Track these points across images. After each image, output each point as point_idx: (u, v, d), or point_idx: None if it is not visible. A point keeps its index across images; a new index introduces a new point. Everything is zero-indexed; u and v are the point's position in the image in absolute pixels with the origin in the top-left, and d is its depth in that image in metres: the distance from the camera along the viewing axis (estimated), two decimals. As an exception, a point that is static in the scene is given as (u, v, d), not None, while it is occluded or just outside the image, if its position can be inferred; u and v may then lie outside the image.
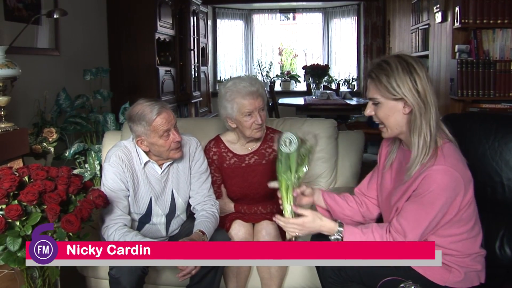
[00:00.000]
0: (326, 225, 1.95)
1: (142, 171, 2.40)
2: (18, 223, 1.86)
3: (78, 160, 3.92)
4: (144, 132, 2.30)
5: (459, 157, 1.92)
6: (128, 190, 2.36)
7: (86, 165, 3.89)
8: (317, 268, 2.14)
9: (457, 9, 4.37)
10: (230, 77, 9.36)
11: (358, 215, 2.20)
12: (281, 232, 2.49)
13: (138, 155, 2.40)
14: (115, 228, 2.26)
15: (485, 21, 4.27)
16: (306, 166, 2.01)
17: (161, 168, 2.43)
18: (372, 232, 1.92)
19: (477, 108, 4.33)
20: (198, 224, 2.39)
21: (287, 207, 2.00)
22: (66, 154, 3.86)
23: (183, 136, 2.48)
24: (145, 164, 2.40)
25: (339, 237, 1.92)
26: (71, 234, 1.90)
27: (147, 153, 2.39)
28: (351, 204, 2.20)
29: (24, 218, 1.87)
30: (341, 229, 1.93)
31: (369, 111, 1.97)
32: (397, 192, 1.99)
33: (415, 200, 1.88)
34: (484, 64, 4.29)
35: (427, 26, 5.66)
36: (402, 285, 1.69)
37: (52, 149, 3.65)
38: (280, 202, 2.03)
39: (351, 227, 1.94)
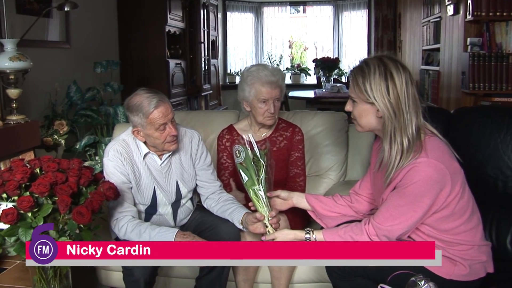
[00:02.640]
0: (298, 235, 2.05)
1: (143, 163, 2.40)
2: (29, 214, 1.88)
3: (88, 153, 3.94)
4: (140, 123, 2.30)
5: (444, 150, 1.92)
6: (130, 182, 2.37)
7: (97, 158, 3.91)
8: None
9: (469, 1, 4.33)
10: (241, 69, 9.37)
11: (350, 211, 2.23)
12: (291, 225, 2.49)
13: (137, 147, 2.40)
14: (126, 220, 2.27)
15: (498, 13, 4.23)
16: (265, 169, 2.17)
17: (161, 159, 2.43)
18: (351, 228, 1.98)
19: (489, 101, 4.29)
20: (239, 209, 2.38)
21: (262, 211, 2.16)
22: (77, 147, 3.88)
23: (184, 128, 2.52)
24: (145, 155, 2.40)
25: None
26: (82, 226, 1.92)
27: (146, 143, 2.40)
28: (339, 202, 2.24)
29: (35, 210, 1.88)
30: (308, 236, 2.03)
31: (348, 107, 2.04)
32: (385, 189, 2.00)
33: (398, 191, 1.89)
34: (497, 57, 4.25)
35: (438, 18, 5.61)
36: (412, 278, 1.68)
37: (63, 142, 3.67)
38: (252, 207, 2.21)
39: (329, 231, 2.04)
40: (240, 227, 2.34)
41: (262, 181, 2.15)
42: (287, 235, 2.08)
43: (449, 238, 1.94)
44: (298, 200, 2.28)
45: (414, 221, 1.90)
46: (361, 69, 1.93)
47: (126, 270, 2.23)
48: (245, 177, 2.17)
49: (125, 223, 2.27)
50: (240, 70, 9.42)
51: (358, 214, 2.22)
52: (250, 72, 2.65)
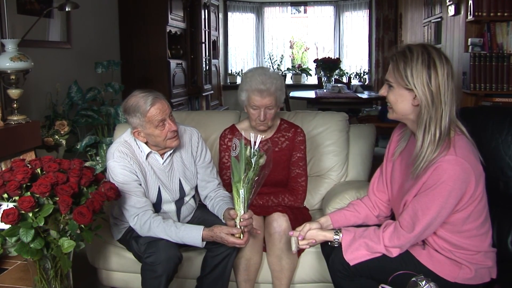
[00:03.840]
0: (327, 236, 2.07)
1: (146, 162, 2.42)
2: (30, 214, 1.87)
3: (89, 153, 3.94)
4: (139, 124, 2.31)
5: (471, 150, 1.90)
6: (140, 179, 2.38)
7: (98, 158, 3.91)
8: (327, 262, 2.15)
9: (470, 1, 4.33)
10: (242, 70, 9.35)
11: (372, 219, 2.21)
12: (292, 224, 2.49)
13: (139, 147, 2.42)
14: (148, 216, 2.29)
15: (499, 13, 4.23)
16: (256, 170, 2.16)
17: (163, 158, 2.45)
18: (370, 236, 1.98)
19: (490, 102, 4.29)
20: (223, 205, 2.42)
21: (237, 209, 2.18)
22: (78, 147, 3.88)
23: (183, 126, 2.54)
24: (148, 155, 2.41)
25: (337, 243, 2.05)
26: (83, 226, 1.92)
27: (147, 143, 2.41)
28: (361, 212, 2.22)
29: (36, 210, 1.88)
30: (337, 237, 2.04)
31: (382, 91, 1.99)
32: (406, 185, 1.98)
33: (426, 193, 1.86)
34: (498, 57, 4.25)
35: (439, 19, 5.62)
36: (413, 279, 1.68)
37: (64, 142, 3.68)
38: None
39: (347, 233, 2.04)
40: (224, 221, 2.36)
41: (248, 181, 2.13)
42: (317, 236, 2.09)
43: (459, 241, 1.93)
44: (327, 222, 2.21)
45: (441, 222, 1.89)
46: (404, 54, 1.89)
47: (147, 266, 2.22)
48: (234, 171, 2.15)
49: (147, 219, 2.28)
50: (242, 70, 9.42)
51: (379, 218, 2.21)
52: (246, 77, 2.65)
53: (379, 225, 2.07)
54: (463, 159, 1.82)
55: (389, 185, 2.15)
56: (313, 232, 2.10)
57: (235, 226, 2.18)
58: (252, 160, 2.13)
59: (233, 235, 2.19)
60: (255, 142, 2.14)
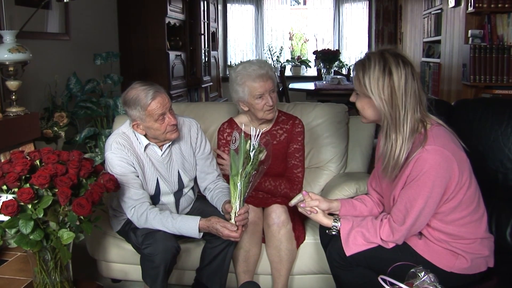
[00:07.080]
0: (324, 222, 2.11)
1: (144, 154, 2.41)
2: (30, 206, 1.88)
3: (88, 145, 3.94)
4: (139, 117, 2.31)
5: (450, 138, 1.93)
6: (137, 171, 2.37)
7: (97, 149, 3.91)
8: (325, 251, 2.16)
9: (470, -7, 4.31)
10: (241, 61, 9.32)
11: (376, 214, 2.21)
12: (291, 216, 2.49)
13: (137, 139, 2.41)
14: (145, 208, 2.29)
15: (499, 5, 4.22)
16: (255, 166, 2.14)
17: (161, 150, 2.45)
18: (367, 227, 2.01)
19: (490, 94, 4.29)
20: (222, 197, 2.43)
21: (232, 203, 2.17)
22: (77, 139, 3.87)
23: (182, 117, 2.54)
24: (146, 147, 2.41)
25: (335, 231, 2.08)
26: (82, 217, 1.92)
27: (146, 136, 2.40)
28: (368, 205, 2.23)
29: (36, 201, 1.88)
30: (335, 224, 2.07)
31: (352, 98, 2.05)
32: (395, 185, 2.00)
33: (410, 185, 1.90)
34: (498, 49, 4.24)
35: (439, 10, 5.60)
36: (412, 270, 1.69)
37: (63, 133, 3.67)
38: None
39: (346, 222, 2.07)
40: (222, 213, 2.36)
41: (245, 175, 2.12)
42: (316, 217, 2.12)
43: (454, 230, 1.94)
44: (338, 207, 2.21)
45: (431, 212, 1.91)
46: (363, 63, 1.95)
47: (145, 257, 2.23)
48: (232, 165, 2.15)
49: (144, 211, 2.28)
50: (241, 62, 9.39)
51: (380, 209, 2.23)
52: (238, 72, 2.64)
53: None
54: (443, 148, 1.86)
55: (380, 181, 2.17)
56: (312, 215, 2.13)
57: (231, 219, 2.19)
58: (251, 154, 2.12)
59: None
60: (255, 136, 2.13)
